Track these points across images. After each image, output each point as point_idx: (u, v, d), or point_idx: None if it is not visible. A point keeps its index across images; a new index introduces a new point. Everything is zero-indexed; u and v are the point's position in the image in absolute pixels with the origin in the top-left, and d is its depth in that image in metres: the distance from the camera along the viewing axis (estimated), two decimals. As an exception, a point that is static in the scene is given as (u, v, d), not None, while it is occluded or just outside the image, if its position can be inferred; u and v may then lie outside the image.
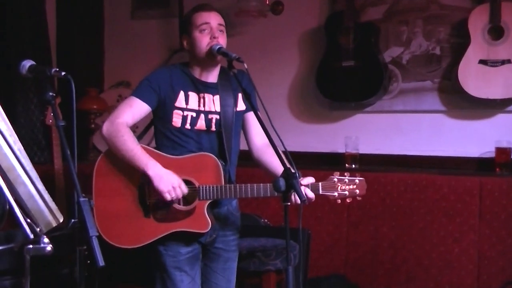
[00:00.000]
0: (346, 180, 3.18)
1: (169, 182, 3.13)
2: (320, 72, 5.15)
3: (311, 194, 3.09)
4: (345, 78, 5.03)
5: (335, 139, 5.24)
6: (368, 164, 5.09)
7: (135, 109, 3.25)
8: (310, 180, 3.13)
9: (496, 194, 4.43)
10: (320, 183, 3.15)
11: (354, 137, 5.06)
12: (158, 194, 3.15)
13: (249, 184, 3.14)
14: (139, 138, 3.34)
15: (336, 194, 3.16)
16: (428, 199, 4.62)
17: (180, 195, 3.15)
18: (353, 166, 5.02)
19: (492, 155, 4.72)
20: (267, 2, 5.36)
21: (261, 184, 3.14)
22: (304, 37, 5.45)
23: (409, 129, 5.11)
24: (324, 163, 5.24)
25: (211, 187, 3.17)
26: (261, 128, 3.02)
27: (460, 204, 4.52)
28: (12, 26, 5.56)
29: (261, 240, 4.33)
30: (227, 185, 3.18)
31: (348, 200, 3.19)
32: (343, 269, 4.86)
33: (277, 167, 3.10)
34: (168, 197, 3.13)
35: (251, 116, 3.39)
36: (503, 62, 4.57)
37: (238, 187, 3.17)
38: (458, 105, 4.92)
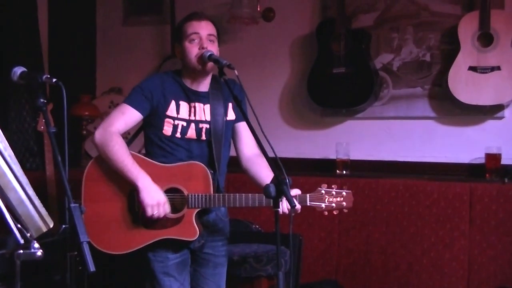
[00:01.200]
0: (334, 193, 3.21)
1: (155, 198, 3.15)
2: (311, 78, 5.16)
3: (298, 206, 3.11)
4: (336, 84, 5.04)
5: (326, 145, 5.25)
6: (359, 170, 5.09)
7: (127, 117, 3.26)
8: (296, 192, 3.15)
9: (486, 200, 4.45)
10: (308, 195, 3.18)
11: (345, 143, 5.06)
12: (141, 206, 3.17)
13: (237, 194, 3.17)
14: (129, 144, 3.34)
15: (323, 206, 3.19)
16: (419, 205, 4.63)
17: (162, 215, 3.17)
18: (344, 172, 5.03)
19: (482, 161, 4.74)
20: (259, 9, 5.37)
21: (250, 194, 3.16)
22: (295, 43, 5.47)
23: (400, 136, 5.12)
24: (315, 169, 5.24)
25: (200, 196, 3.18)
26: (251, 139, 3.04)
27: (451, 210, 4.53)
28: (4, 32, 5.56)
29: (253, 246, 4.35)
30: (216, 194, 3.20)
31: (334, 212, 3.22)
32: (335, 274, 4.87)
33: (264, 179, 3.14)
34: (149, 212, 3.15)
35: (242, 126, 3.42)
36: (492, 69, 4.59)
37: (227, 196, 3.19)
38: (449, 111, 4.94)
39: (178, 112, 3.27)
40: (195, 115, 3.30)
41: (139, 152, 3.37)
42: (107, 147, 3.19)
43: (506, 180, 4.52)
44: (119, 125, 3.24)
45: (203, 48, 3.21)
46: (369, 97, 5.00)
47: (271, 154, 2.85)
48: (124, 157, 3.18)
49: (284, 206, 2.99)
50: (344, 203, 3.21)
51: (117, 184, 3.26)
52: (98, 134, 3.22)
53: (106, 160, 3.23)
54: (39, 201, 2.14)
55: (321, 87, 5.14)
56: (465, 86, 4.67)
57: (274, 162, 2.82)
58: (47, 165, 5.01)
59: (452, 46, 4.83)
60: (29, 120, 5.55)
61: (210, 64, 3.20)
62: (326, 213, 3.21)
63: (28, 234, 2.10)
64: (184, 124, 3.28)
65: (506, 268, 4.38)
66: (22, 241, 2.06)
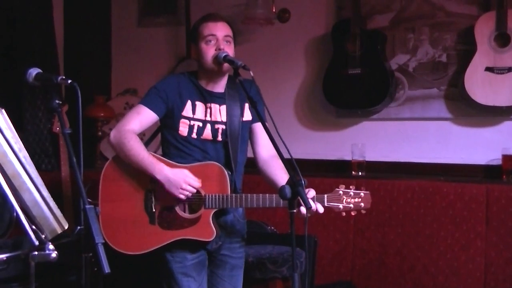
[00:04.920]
0: (352, 193, 3.19)
1: (177, 184, 3.15)
2: (326, 79, 5.15)
3: (321, 209, 3.09)
4: (352, 85, 5.03)
5: (341, 146, 5.24)
6: (374, 171, 5.08)
7: (143, 117, 3.27)
8: (312, 193, 3.12)
9: (503, 201, 4.42)
10: (325, 195, 3.16)
11: (361, 145, 5.05)
12: (172, 197, 3.18)
13: (254, 195, 3.16)
14: (146, 145, 3.34)
15: (341, 206, 3.17)
16: (435, 206, 4.61)
17: (193, 190, 3.17)
18: (360, 173, 5.01)
19: (499, 162, 4.71)
20: (274, 10, 5.36)
21: (267, 195, 3.15)
22: (310, 44, 5.46)
23: (415, 137, 5.10)
24: (330, 171, 5.24)
25: (217, 196, 3.18)
26: (267, 140, 3.04)
27: (467, 212, 4.51)
28: (20, 34, 5.59)
29: (268, 248, 4.34)
30: (233, 195, 3.20)
31: (352, 213, 3.20)
32: (350, 276, 4.86)
33: (279, 181, 3.14)
34: (182, 197, 3.17)
35: (258, 127, 3.41)
36: (509, 69, 4.56)
37: (244, 196, 3.18)
38: (465, 112, 4.91)
39: (194, 113, 3.27)
40: (210, 116, 3.30)
41: (155, 153, 3.37)
42: (122, 144, 3.20)
43: (523, 182, 4.50)
44: (134, 124, 3.25)
45: (219, 49, 3.21)
46: (384, 98, 4.98)
47: (286, 155, 2.84)
48: (139, 151, 3.20)
49: (302, 209, 2.98)
50: (362, 204, 3.19)
51: (134, 184, 3.27)
52: (113, 134, 3.25)
53: (122, 157, 3.24)
54: (54, 203, 2.14)
55: (337, 88, 5.12)
56: (481, 86, 4.64)
57: (289, 163, 2.81)
58: (62, 166, 5.03)
59: (468, 47, 4.80)
60: (44, 121, 5.58)
61: (226, 65, 3.19)
62: (343, 214, 3.19)
63: (43, 236, 2.10)
64: (200, 124, 3.28)
65: (523, 270, 4.36)
66: (36, 243, 2.06)
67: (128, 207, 3.28)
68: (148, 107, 3.26)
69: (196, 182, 3.18)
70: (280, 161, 2.94)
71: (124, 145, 3.21)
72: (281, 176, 3.17)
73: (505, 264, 4.39)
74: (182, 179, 3.16)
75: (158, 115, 3.28)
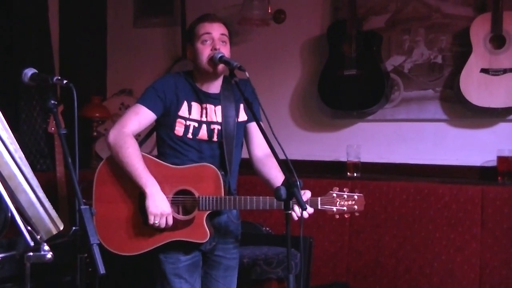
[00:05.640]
0: (345, 196, 3.19)
1: (159, 208, 3.14)
2: (322, 80, 5.14)
3: (310, 210, 3.10)
4: (347, 86, 5.03)
5: (337, 147, 5.23)
6: (370, 172, 5.08)
7: (141, 117, 3.26)
8: (308, 195, 3.13)
9: (498, 203, 4.42)
10: (319, 198, 3.16)
11: (356, 146, 5.05)
12: (145, 211, 3.17)
13: (248, 197, 3.16)
14: (141, 144, 3.34)
15: (334, 209, 3.18)
16: (430, 207, 4.61)
17: (163, 226, 3.17)
18: (355, 174, 5.01)
19: (494, 164, 4.71)
20: (270, 11, 5.36)
21: (261, 197, 3.15)
22: (306, 45, 5.46)
23: (411, 138, 5.10)
24: (326, 172, 5.23)
25: (211, 198, 3.17)
26: (262, 139, 3.04)
27: (462, 213, 4.51)
28: (15, 33, 5.58)
29: (263, 249, 4.34)
30: (227, 197, 3.20)
31: (346, 216, 3.21)
32: (346, 277, 4.85)
33: (275, 180, 3.16)
34: (151, 220, 3.15)
35: (253, 127, 3.41)
36: (505, 71, 4.57)
37: (238, 199, 3.18)
38: (460, 114, 4.91)
39: (190, 113, 3.27)
40: (206, 116, 3.30)
41: (150, 153, 3.37)
42: (120, 148, 3.19)
43: (518, 183, 4.50)
44: (132, 125, 3.24)
45: (215, 49, 3.21)
46: (380, 99, 4.98)
47: (281, 156, 2.84)
48: (135, 161, 3.18)
49: (297, 211, 3.00)
50: (356, 207, 3.20)
51: (128, 185, 3.26)
52: (112, 135, 3.22)
53: (117, 161, 3.23)
54: (49, 204, 2.14)
55: (332, 89, 5.12)
56: (477, 88, 4.64)
57: (284, 164, 2.81)
58: (58, 166, 5.03)
59: (464, 48, 4.80)
60: (39, 122, 5.56)
61: (221, 66, 3.19)
62: (337, 216, 3.20)
63: (38, 237, 2.09)
64: (196, 125, 3.28)
65: (518, 271, 4.36)
66: (32, 244, 2.06)
67: (122, 208, 3.28)
68: (146, 107, 3.25)
69: (170, 223, 3.17)
70: (275, 160, 2.94)
71: (122, 150, 3.19)
72: (275, 175, 3.18)
73: (500, 266, 4.39)
74: (166, 210, 3.16)
75: (156, 115, 3.27)
